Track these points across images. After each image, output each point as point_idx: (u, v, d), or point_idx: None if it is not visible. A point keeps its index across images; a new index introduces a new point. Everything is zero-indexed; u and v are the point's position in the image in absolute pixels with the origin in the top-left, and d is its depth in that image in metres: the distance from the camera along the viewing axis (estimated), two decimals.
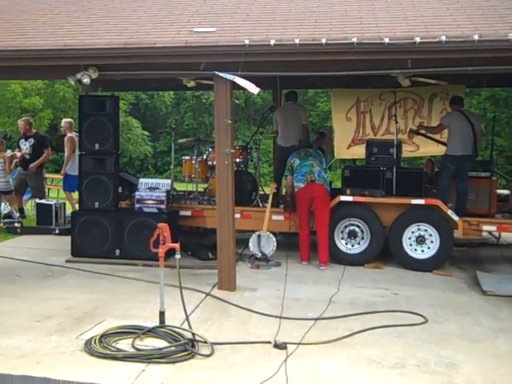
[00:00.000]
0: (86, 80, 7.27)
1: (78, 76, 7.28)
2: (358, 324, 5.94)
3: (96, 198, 8.71)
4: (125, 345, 5.11)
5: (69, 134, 12.17)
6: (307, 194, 8.65)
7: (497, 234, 10.43)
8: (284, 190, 10.26)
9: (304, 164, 8.85)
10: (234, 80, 6.77)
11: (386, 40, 6.30)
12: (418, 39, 6.24)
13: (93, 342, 5.08)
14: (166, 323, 5.46)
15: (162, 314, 5.47)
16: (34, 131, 12.66)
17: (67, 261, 8.46)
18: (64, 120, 12.80)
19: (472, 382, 4.65)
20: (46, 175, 13.83)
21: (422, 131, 10.54)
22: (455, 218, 8.51)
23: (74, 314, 6.06)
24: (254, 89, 6.76)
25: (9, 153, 11.99)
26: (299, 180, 8.74)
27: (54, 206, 11.11)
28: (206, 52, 6.81)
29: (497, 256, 9.85)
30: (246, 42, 6.57)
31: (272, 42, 6.51)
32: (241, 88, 6.93)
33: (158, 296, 5.50)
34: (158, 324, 5.44)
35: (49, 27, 7.82)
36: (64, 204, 11.57)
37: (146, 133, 30.82)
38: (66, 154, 12.18)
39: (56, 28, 7.76)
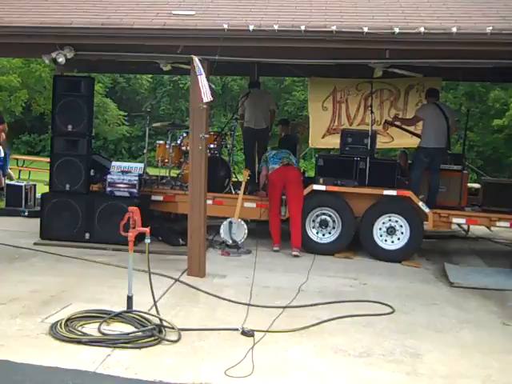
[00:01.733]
0: (61, 59, 7.17)
1: (53, 55, 7.18)
2: (327, 313, 5.95)
3: (67, 180, 8.61)
4: (91, 329, 5.06)
5: None
6: (282, 176, 8.69)
7: (466, 226, 10.55)
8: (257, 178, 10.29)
9: (281, 151, 9.13)
10: (199, 77, 6.70)
11: (365, 29, 6.30)
12: (396, 30, 6.25)
13: (58, 326, 5.01)
14: (134, 308, 5.40)
15: (129, 298, 5.41)
16: None
17: (35, 243, 8.34)
18: None
19: (435, 372, 4.69)
20: (18, 156, 13.61)
21: (397, 123, 10.59)
22: (426, 209, 8.58)
23: (41, 298, 5.97)
24: (206, 96, 6.71)
25: None
26: (275, 162, 8.83)
27: (23, 188, 10.95)
28: (184, 35, 6.76)
29: (465, 249, 9.96)
30: (225, 26, 6.52)
31: (251, 28, 6.47)
32: (217, 74, 6.89)
33: (126, 281, 5.44)
34: (125, 309, 5.38)
35: (25, 4, 7.62)
36: (34, 186, 11.42)
37: (123, 113, 30.53)
38: None
39: (32, 5, 7.58)
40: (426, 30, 6.26)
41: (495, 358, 5.05)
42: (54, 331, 4.95)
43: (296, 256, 8.44)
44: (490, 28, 6.20)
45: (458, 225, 10.07)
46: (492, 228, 9.70)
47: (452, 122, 9.40)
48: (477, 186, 10.88)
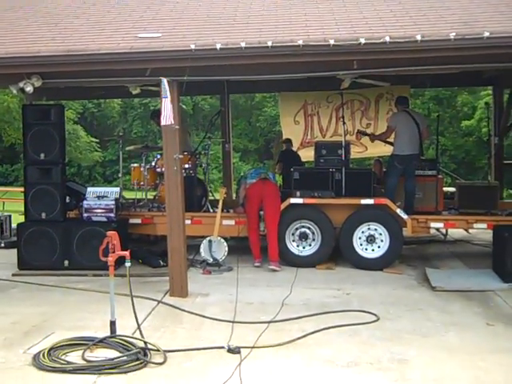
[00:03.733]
0: (29, 88, 7.09)
1: (21, 85, 7.09)
2: (312, 325, 5.94)
3: (43, 209, 8.52)
4: (75, 357, 5.00)
5: None
6: (259, 190, 8.70)
7: (444, 230, 10.64)
8: (235, 195, 10.29)
9: (259, 168, 9.13)
10: (163, 99, 6.73)
11: (332, 42, 6.34)
12: (362, 40, 6.30)
13: (41, 356, 4.95)
14: (118, 333, 5.35)
15: (112, 323, 5.36)
16: None
17: (14, 274, 8.24)
18: None
19: (424, 377, 4.71)
20: None
21: (369, 131, 10.70)
22: (404, 216, 8.63)
23: (22, 328, 5.89)
24: (165, 119, 6.74)
25: None
26: (252, 177, 8.88)
27: None
28: (152, 57, 6.73)
29: (444, 252, 10.03)
30: (192, 46, 6.52)
31: (218, 46, 6.48)
32: (187, 94, 6.91)
33: (108, 306, 5.39)
34: (108, 334, 5.33)
35: None
36: (10, 216, 11.29)
37: (95, 139, 30.33)
38: None
39: None
40: (391, 39, 6.33)
41: (482, 358, 5.07)
42: (37, 362, 4.88)
43: (274, 270, 8.43)
44: (454, 34, 6.28)
45: (437, 229, 10.15)
46: (470, 230, 9.78)
47: (423, 127, 9.50)
48: (452, 189, 10.99)
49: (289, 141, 11.79)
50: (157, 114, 9.32)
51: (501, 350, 5.28)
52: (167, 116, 6.74)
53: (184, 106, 10.35)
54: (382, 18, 7.23)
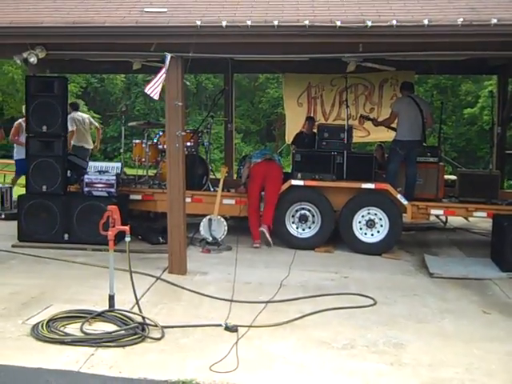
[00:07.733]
0: (33, 59, 7.08)
1: (25, 55, 7.08)
2: (309, 307, 5.97)
3: (44, 182, 8.51)
4: (73, 329, 5.03)
5: None
6: (262, 169, 8.72)
7: (444, 218, 10.65)
8: (235, 176, 10.28)
9: (265, 149, 9.11)
10: (160, 72, 6.71)
11: (338, 23, 6.31)
12: (369, 23, 6.27)
13: (40, 327, 4.97)
14: (116, 307, 5.38)
15: (111, 297, 5.38)
16: None
17: (13, 246, 8.25)
18: None
19: (418, 361, 4.73)
20: None
21: (372, 116, 10.66)
22: (404, 202, 8.63)
23: (21, 299, 5.92)
24: (150, 90, 6.72)
25: None
26: (257, 157, 8.86)
27: None
28: (157, 33, 6.72)
29: (443, 240, 10.04)
30: (198, 22, 6.49)
31: (224, 24, 6.45)
32: (191, 72, 6.87)
33: (107, 280, 5.41)
34: (107, 308, 5.36)
35: None
36: (10, 188, 11.28)
37: (97, 115, 30.16)
38: None
39: (2, 5, 7.50)
40: (398, 22, 6.29)
41: (476, 346, 5.10)
42: (35, 332, 4.91)
43: (263, 232, 8.56)
44: (461, 20, 6.25)
45: (436, 216, 10.16)
46: (469, 218, 9.79)
47: (427, 114, 9.46)
48: (453, 177, 10.99)
49: (312, 119, 11.44)
50: None
51: (496, 339, 5.31)
52: (154, 88, 6.71)
53: (188, 83, 10.36)
54: (390, 2, 7.17)
